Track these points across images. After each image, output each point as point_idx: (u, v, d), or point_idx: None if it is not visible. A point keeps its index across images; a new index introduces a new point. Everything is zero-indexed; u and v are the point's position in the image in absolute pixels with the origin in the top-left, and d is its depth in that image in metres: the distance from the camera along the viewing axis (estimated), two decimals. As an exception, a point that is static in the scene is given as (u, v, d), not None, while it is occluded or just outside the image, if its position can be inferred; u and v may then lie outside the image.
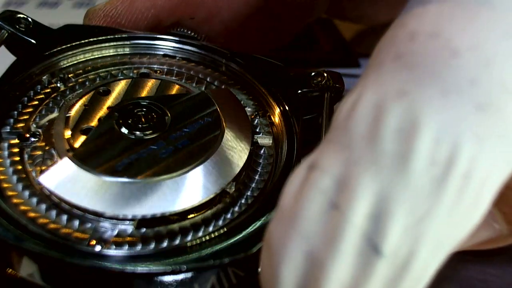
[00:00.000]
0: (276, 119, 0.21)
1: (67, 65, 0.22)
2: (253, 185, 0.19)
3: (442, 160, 0.12)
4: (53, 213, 0.17)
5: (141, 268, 0.16)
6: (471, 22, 0.13)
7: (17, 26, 0.22)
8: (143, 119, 0.19)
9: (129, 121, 0.19)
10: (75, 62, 0.22)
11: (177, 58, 0.23)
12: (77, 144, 0.18)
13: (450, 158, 0.12)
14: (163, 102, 0.20)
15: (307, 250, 0.12)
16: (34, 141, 0.19)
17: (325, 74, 0.21)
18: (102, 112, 0.19)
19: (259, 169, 0.19)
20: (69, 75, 0.21)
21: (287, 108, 0.21)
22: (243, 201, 0.18)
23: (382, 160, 0.12)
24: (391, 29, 0.14)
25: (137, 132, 0.19)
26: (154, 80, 0.21)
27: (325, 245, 0.12)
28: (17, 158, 0.18)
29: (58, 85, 0.21)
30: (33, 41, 0.21)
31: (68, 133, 0.19)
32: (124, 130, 0.19)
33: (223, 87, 0.22)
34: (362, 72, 0.30)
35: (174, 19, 0.24)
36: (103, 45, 0.22)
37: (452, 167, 0.12)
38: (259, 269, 0.13)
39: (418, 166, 0.12)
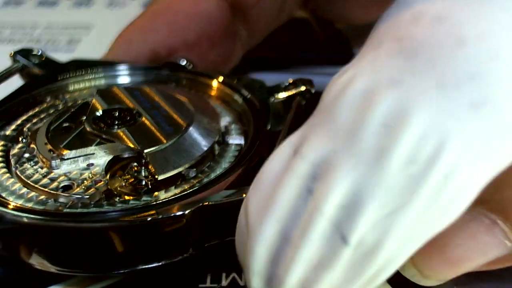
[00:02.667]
0: (249, 125, 0.22)
1: (70, 89, 0.24)
2: (213, 174, 0.19)
3: (422, 159, 0.11)
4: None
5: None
6: (483, 9, 0.12)
7: (32, 60, 0.25)
8: (116, 115, 0.21)
9: (104, 118, 0.21)
10: (77, 88, 0.24)
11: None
12: (54, 139, 0.20)
13: (431, 158, 0.11)
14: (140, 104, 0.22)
15: (281, 230, 0.13)
16: (21, 142, 0.21)
17: (299, 82, 0.23)
18: (85, 114, 0.21)
19: (222, 162, 0.20)
20: (69, 97, 0.24)
21: (260, 115, 0.22)
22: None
23: (361, 153, 0.12)
24: (395, 5, 0.13)
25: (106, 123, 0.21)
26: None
27: (298, 228, 0.12)
28: (1, 153, 0.20)
29: (57, 103, 0.23)
30: (42, 71, 0.24)
31: (49, 132, 0.20)
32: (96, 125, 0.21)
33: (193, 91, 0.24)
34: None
35: (169, 49, 0.26)
36: (102, 75, 0.25)
37: (432, 167, 0.11)
38: (235, 242, 0.14)
39: (395, 163, 0.11)
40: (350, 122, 0.12)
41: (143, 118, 0.21)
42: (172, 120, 0.21)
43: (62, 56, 0.33)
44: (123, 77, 0.25)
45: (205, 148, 0.20)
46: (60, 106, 0.23)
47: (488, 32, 0.12)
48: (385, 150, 0.12)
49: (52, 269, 0.17)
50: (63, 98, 0.23)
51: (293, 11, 0.30)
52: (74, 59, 0.25)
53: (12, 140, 0.21)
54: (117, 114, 0.21)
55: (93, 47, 0.34)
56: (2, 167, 0.20)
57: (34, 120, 0.22)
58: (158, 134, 0.20)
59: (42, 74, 0.24)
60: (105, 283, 0.18)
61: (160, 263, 0.17)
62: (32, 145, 0.20)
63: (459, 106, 0.12)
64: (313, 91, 0.23)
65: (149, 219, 0.17)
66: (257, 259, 0.13)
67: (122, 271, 0.18)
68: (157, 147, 0.19)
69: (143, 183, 0.19)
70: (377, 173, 0.12)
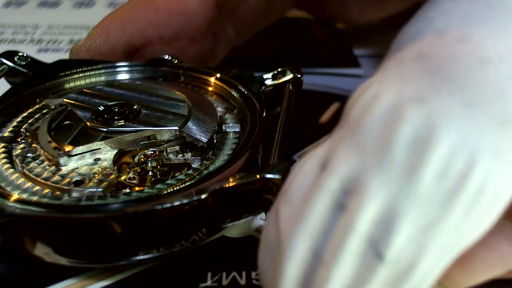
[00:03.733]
0: (244, 113, 0.22)
1: (59, 89, 0.24)
2: (218, 161, 0.20)
3: (455, 174, 0.12)
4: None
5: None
6: (502, 28, 0.12)
7: (17, 62, 0.25)
8: (115, 111, 0.21)
9: (104, 115, 0.21)
10: (67, 87, 0.25)
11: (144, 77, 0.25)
12: (58, 137, 0.20)
13: (464, 173, 0.12)
14: (135, 98, 0.22)
15: (312, 248, 0.12)
16: (23, 142, 0.21)
17: (287, 70, 0.23)
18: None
19: (224, 149, 0.20)
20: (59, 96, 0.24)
21: (254, 103, 0.22)
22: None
23: (393, 168, 0.12)
24: (416, 20, 0.13)
25: (105, 118, 0.21)
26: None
27: (330, 246, 0.12)
28: (5, 155, 0.20)
29: (49, 104, 0.23)
30: (29, 72, 0.24)
31: (52, 130, 0.21)
32: (97, 121, 0.21)
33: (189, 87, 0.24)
34: (362, 72, 0.30)
35: (144, 41, 0.26)
36: (88, 74, 0.25)
37: (464, 182, 0.12)
38: (259, 264, 0.13)
39: (427, 178, 0.12)
40: (379, 137, 0.12)
41: (145, 109, 0.21)
42: (172, 107, 0.21)
43: (63, 56, 0.33)
44: (110, 75, 0.25)
45: (215, 123, 0.21)
46: (53, 106, 0.23)
47: (508, 55, 0.12)
48: (417, 166, 0.12)
49: (69, 262, 0.18)
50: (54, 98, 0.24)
51: (285, 11, 0.30)
52: (60, 59, 0.25)
53: (11, 141, 0.21)
54: (117, 109, 0.21)
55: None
56: (9, 168, 0.20)
57: (30, 121, 0.22)
58: (170, 116, 0.21)
59: (30, 76, 0.24)
60: (109, 281, 0.18)
61: (184, 247, 0.18)
62: (35, 145, 0.21)
63: (486, 123, 0.12)
64: (302, 78, 0.23)
65: (172, 204, 0.17)
66: (288, 278, 0.12)
67: (147, 257, 0.18)
68: (184, 121, 0.20)
69: (150, 173, 0.19)
70: (410, 189, 0.12)
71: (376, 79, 0.13)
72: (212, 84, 0.24)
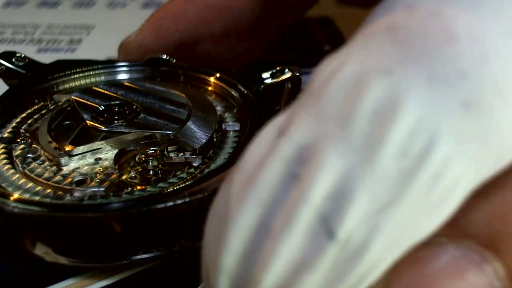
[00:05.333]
0: (244, 112, 0.23)
1: (58, 89, 0.24)
2: (219, 160, 0.20)
3: (415, 153, 0.11)
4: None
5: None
6: (477, 7, 0.12)
7: (15, 63, 0.25)
8: (116, 111, 0.22)
9: (104, 114, 0.21)
10: (65, 88, 0.25)
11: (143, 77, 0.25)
12: (58, 137, 0.20)
13: (423, 153, 0.11)
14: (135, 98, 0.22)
15: (261, 218, 0.11)
16: (23, 142, 0.21)
17: (286, 69, 0.24)
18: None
19: (225, 148, 0.21)
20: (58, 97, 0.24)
21: (254, 102, 0.22)
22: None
23: (352, 140, 0.11)
24: None
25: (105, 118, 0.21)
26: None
27: (280, 216, 0.11)
28: (5, 155, 0.20)
29: (49, 104, 0.23)
30: (27, 73, 0.24)
31: (52, 130, 0.21)
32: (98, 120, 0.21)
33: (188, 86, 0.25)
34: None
35: (196, 39, 0.26)
36: (86, 74, 0.25)
37: (423, 163, 0.11)
38: (204, 234, 0.12)
39: (388, 155, 0.11)
40: (340, 106, 0.11)
41: (145, 111, 0.21)
42: (171, 108, 0.21)
43: (63, 56, 0.33)
44: (109, 75, 0.25)
45: (215, 125, 0.21)
46: (51, 106, 0.23)
47: (479, 34, 0.12)
48: (377, 140, 0.11)
49: (69, 261, 0.18)
50: (52, 99, 0.24)
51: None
52: (57, 60, 0.25)
53: (10, 142, 0.21)
54: (116, 109, 0.22)
55: (93, 47, 0.34)
56: (10, 168, 0.20)
57: (29, 121, 0.22)
58: (168, 119, 0.21)
59: (28, 76, 0.24)
60: (109, 281, 0.18)
61: (185, 246, 0.18)
62: (35, 145, 0.21)
63: (450, 104, 0.11)
64: (301, 76, 0.23)
65: (175, 203, 0.17)
66: (230, 253, 0.11)
67: (147, 256, 0.18)
68: (179, 126, 0.20)
69: (151, 172, 0.20)
70: (368, 163, 0.11)
71: (343, 51, 0.12)
72: (211, 83, 0.24)
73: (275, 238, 0.11)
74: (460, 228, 0.13)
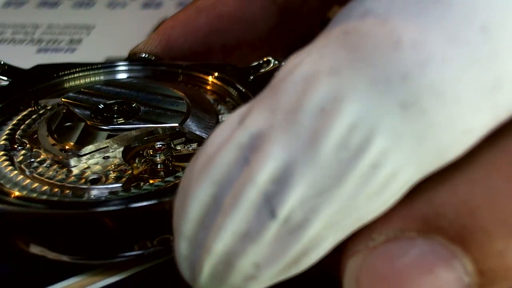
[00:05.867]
0: (236, 102, 0.23)
1: (44, 94, 0.24)
2: None
3: (352, 147, 0.12)
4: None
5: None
6: (422, 17, 0.13)
7: None
8: (115, 109, 0.22)
9: (104, 113, 0.22)
10: (52, 91, 0.24)
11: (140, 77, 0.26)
12: (62, 138, 0.21)
13: (361, 146, 0.12)
14: (133, 96, 0.22)
15: (215, 195, 0.13)
16: (20, 148, 0.21)
17: (271, 60, 0.24)
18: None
19: None
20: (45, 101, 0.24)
21: (245, 92, 0.23)
22: None
23: (297, 132, 0.12)
24: (353, 1, 0.14)
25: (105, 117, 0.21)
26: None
27: (230, 194, 0.13)
28: (7, 163, 0.20)
29: (38, 108, 0.23)
30: (7, 80, 0.24)
31: (51, 133, 0.21)
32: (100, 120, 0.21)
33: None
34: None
35: (207, 49, 0.26)
36: (74, 76, 0.25)
37: (360, 156, 0.12)
38: (173, 206, 0.14)
39: (328, 147, 0.12)
40: (290, 101, 0.13)
41: (144, 107, 0.22)
42: (169, 102, 0.22)
43: (63, 56, 0.33)
44: (97, 76, 0.25)
45: (215, 115, 0.21)
46: (41, 111, 0.23)
47: (421, 41, 0.13)
48: (319, 133, 0.12)
49: (72, 258, 0.18)
50: (37, 104, 0.23)
51: (331, 7, 0.30)
52: (37, 65, 0.25)
53: (8, 149, 0.21)
54: (116, 107, 0.22)
55: (94, 47, 0.34)
56: (19, 174, 0.20)
57: (22, 127, 0.22)
58: (169, 113, 0.21)
59: (10, 83, 0.24)
60: (109, 280, 0.18)
61: None
62: (36, 149, 0.21)
63: (389, 104, 0.12)
64: None
65: None
66: (188, 221, 0.13)
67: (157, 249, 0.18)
68: (183, 118, 0.21)
69: (163, 165, 0.20)
70: (309, 153, 0.12)
71: (305, 50, 0.14)
72: (195, 78, 0.25)
73: (225, 213, 0.13)
74: (429, 223, 0.13)
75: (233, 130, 0.13)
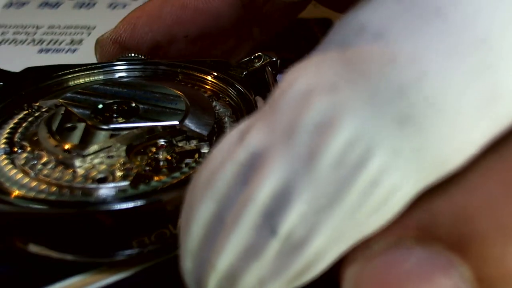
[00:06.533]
0: (231, 98, 0.23)
1: (37, 96, 0.24)
2: None
3: (350, 164, 0.12)
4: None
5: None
6: (419, 31, 0.13)
7: None
8: (114, 109, 0.22)
9: (104, 113, 0.22)
10: (44, 95, 0.24)
11: (133, 77, 0.26)
12: (65, 139, 0.21)
13: (358, 164, 0.12)
14: (132, 96, 0.23)
15: (217, 212, 0.13)
16: (21, 151, 0.21)
17: (262, 55, 0.25)
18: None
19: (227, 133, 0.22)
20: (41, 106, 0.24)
21: (240, 88, 0.23)
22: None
23: (295, 148, 0.12)
24: (351, 12, 0.14)
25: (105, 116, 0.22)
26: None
27: (232, 212, 0.13)
28: (10, 166, 0.20)
29: (33, 111, 0.23)
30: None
31: (52, 135, 0.21)
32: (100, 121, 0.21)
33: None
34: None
35: (169, 39, 0.26)
36: (67, 77, 0.25)
37: (359, 173, 0.12)
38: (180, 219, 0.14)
39: (325, 164, 0.12)
40: (288, 118, 0.13)
41: (143, 106, 0.22)
42: (167, 100, 0.22)
43: (64, 57, 0.33)
44: (89, 76, 0.25)
45: (213, 112, 0.22)
46: (37, 113, 0.23)
47: (418, 55, 0.12)
48: (317, 150, 0.12)
49: (74, 257, 0.18)
50: (32, 106, 0.23)
51: (305, 6, 0.31)
52: (27, 68, 0.25)
53: (9, 152, 0.21)
54: (115, 107, 0.22)
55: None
56: (24, 176, 0.20)
57: (20, 130, 0.22)
58: (168, 111, 0.21)
59: (1, 86, 0.24)
60: (108, 281, 0.19)
61: None
62: (37, 151, 0.21)
63: (386, 120, 0.12)
64: (278, 61, 0.25)
65: None
66: (192, 237, 0.13)
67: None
68: (183, 115, 0.21)
69: (166, 162, 0.20)
70: (308, 171, 0.12)
71: (303, 63, 0.14)
72: (196, 76, 0.25)
73: (227, 230, 0.13)
74: (427, 231, 0.13)
75: (233, 147, 0.13)
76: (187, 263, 0.13)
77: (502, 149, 0.14)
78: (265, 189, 0.12)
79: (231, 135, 0.14)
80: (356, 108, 0.12)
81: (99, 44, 0.27)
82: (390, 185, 0.12)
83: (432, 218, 0.13)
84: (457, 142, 0.13)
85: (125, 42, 0.26)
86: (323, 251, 0.13)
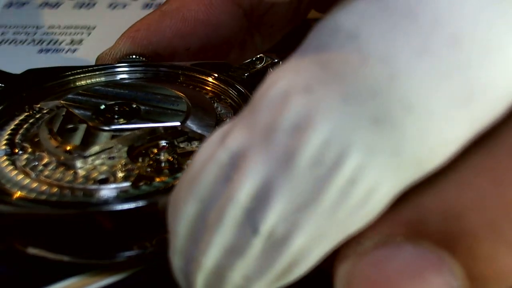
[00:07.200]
0: (232, 99, 0.23)
1: (38, 98, 0.24)
2: None
3: (327, 163, 0.12)
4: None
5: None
6: (391, 31, 0.13)
7: None
8: (116, 110, 0.22)
9: (105, 114, 0.22)
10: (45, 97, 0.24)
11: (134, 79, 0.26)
12: (66, 140, 0.21)
13: (335, 163, 0.12)
14: (133, 97, 0.23)
15: (200, 212, 0.13)
16: (22, 153, 0.21)
17: (264, 57, 0.25)
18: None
19: None
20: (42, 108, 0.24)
21: (239, 88, 0.23)
22: None
23: (273, 149, 0.13)
24: (330, 14, 0.14)
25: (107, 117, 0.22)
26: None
27: (214, 211, 0.13)
28: (11, 167, 0.20)
29: (34, 113, 0.23)
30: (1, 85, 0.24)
31: (53, 136, 0.21)
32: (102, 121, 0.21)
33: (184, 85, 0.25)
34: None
35: (171, 52, 0.26)
36: (68, 78, 0.25)
37: (336, 172, 0.12)
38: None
39: (302, 164, 0.12)
40: (266, 120, 0.13)
41: (144, 107, 0.22)
42: (168, 101, 0.22)
43: (64, 57, 0.33)
44: (90, 79, 0.25)
45: (214, 113, 0.22)
46: (37, 115, 0.23)
47: (390, 54, 0.13)
48: (294, 150, 0.12)
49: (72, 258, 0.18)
50: (33, 107, 0.23)
51: (307, 14, 0.31)
52: (28, 69, 0.25)
53: (9, 154, 0.21)
54: (117, 108, 0.22)
55: (94, 47, 0.34)
56: (25, 177, 0.20)
57: (20, 131, 0.22)
58: (169, 112, 0.21)
59: (2, 88, 0.24)
60: (108, 280, 0.19)
61: None
62: (38, 152, 0.21)
63: (361, 120, 0.12)
64: (280, 62, 0.24)
65: None
66: (179, 236, 0.13)
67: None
68: (184, 117, 0.21)
69: (168, 163, 0.20)
70: (286, 170, 0.12)
71: (283, 65, 0.14)
72: (198, 78, 0.25)
73: (210, 229, 0.13)
74: (416, 228, 0.13)
75: (215, 148, 0.14)
76: (176, 261, 0.14)
77: (490, 145, 0.14)
78: (245, 189, 0.13)
79: (214, 136, 0.14)
80: (331, 109, 0.12)
81: (100, 61, 0.26)
82: (368, 184, 0.12)
83: (422, 215, 0.13)
84: (433, 141, 0.13)
85: (124, 56, 0.26)
86: (306, 250, 0.13)
